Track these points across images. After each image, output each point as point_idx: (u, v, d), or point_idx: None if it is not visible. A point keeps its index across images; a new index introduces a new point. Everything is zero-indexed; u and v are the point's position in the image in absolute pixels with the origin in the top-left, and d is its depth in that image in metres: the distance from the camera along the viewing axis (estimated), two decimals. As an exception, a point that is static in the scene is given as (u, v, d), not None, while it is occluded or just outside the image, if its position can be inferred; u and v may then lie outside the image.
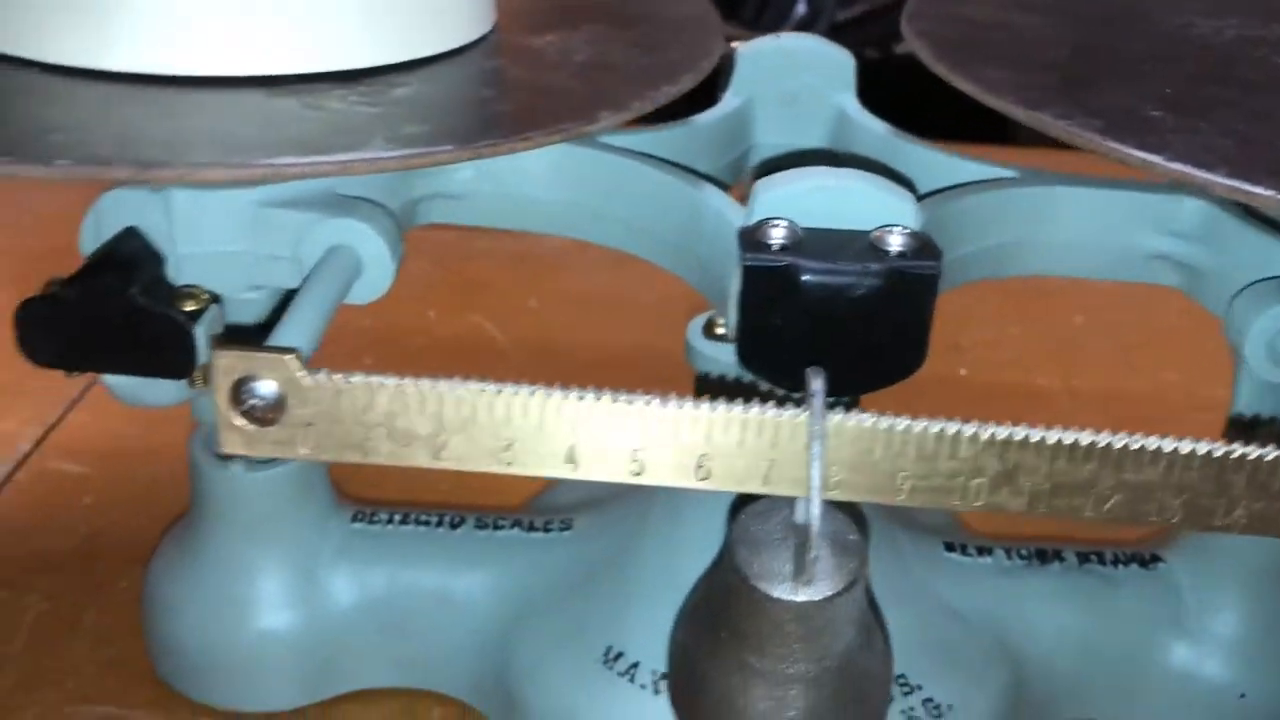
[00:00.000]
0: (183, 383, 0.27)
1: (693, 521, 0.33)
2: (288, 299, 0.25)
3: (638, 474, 0.23)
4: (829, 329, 0.24)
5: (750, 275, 0.24)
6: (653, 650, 0.32)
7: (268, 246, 0.27)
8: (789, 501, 0.24)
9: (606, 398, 0.22)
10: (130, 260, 0.25)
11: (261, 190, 0.27)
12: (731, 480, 0.23)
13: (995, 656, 0.34)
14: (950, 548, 0.37)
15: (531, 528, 0.37)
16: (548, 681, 0.33)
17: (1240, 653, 0.35)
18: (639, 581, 0.34)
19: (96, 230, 0.27)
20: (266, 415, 0.22)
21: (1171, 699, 0.35)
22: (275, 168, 0.20)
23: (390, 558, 0.36)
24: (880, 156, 0.34)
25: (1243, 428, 0.33)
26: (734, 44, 0.37)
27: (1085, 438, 0.22)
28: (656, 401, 0.22)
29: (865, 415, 0.22)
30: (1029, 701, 0.35)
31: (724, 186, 0.31)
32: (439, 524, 0.37)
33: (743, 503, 0.24)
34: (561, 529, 0.37)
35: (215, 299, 0.27)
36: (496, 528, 0.37)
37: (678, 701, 0.26)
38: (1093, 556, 0.37)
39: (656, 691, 0.32)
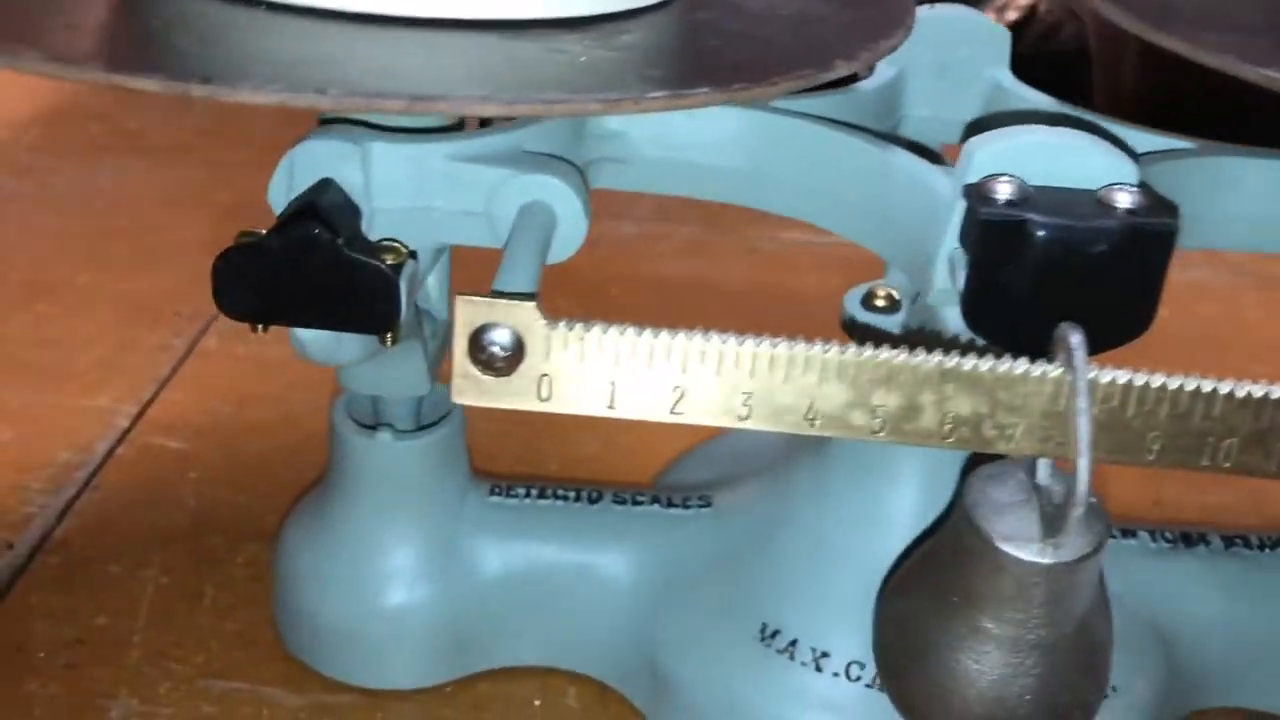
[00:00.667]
0: (369, 339, 0.27)
1: (840, 495, 0.32)
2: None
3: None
4: (1062, 286, 0.24)
5: (985, 230, 0.23)
6: (810, 626, 0.32)
7: (461, 202, 0.26)
8: (1021, 464, 0.23)
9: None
10: (330, 211, 0.25)
11: (453, 144, 0.26)
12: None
13: (1151, 640, 0.34)
14: (1096, 529, 0.36)
15: (670, 504, 0.36)
16: (702, 660, 0.32)
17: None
18: (790, 557, 0.33)
19: (289, 182, 0.26)
20: (500, 365, 0.22)
21: (1323, 686, 0.35)
22: (546, 103, 0.20)
23: (530, 532, 0.35)
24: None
25: None
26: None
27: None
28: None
29: (1118, 371, 0.22)
30: (1181, 689, 0.34)
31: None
32: (576, 499, 0.36)
33: (975, 463, 0.24)
34: (701, 505, 0.36)
35: (412, 254, 0.26)
36: (635, 503, 0.36)
37: (892, 675, 0.25)
38: (1238, 540, 0.36)
39: (818, 669, 0.31)
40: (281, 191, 0.26)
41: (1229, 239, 0.31)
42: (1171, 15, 0.28)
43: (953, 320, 0.28)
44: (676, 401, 0.22)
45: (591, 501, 0.36)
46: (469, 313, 0.21)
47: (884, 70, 0.35)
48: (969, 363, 0.22)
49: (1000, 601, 0.22)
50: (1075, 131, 0.25)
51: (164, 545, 0.39)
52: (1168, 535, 0.36)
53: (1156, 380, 0.22)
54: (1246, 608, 0.35)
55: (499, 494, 0.36)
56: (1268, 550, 0.36)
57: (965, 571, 0.23)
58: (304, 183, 0.26)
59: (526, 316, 0.21)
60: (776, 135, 0.30)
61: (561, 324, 0.22)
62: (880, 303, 0.33)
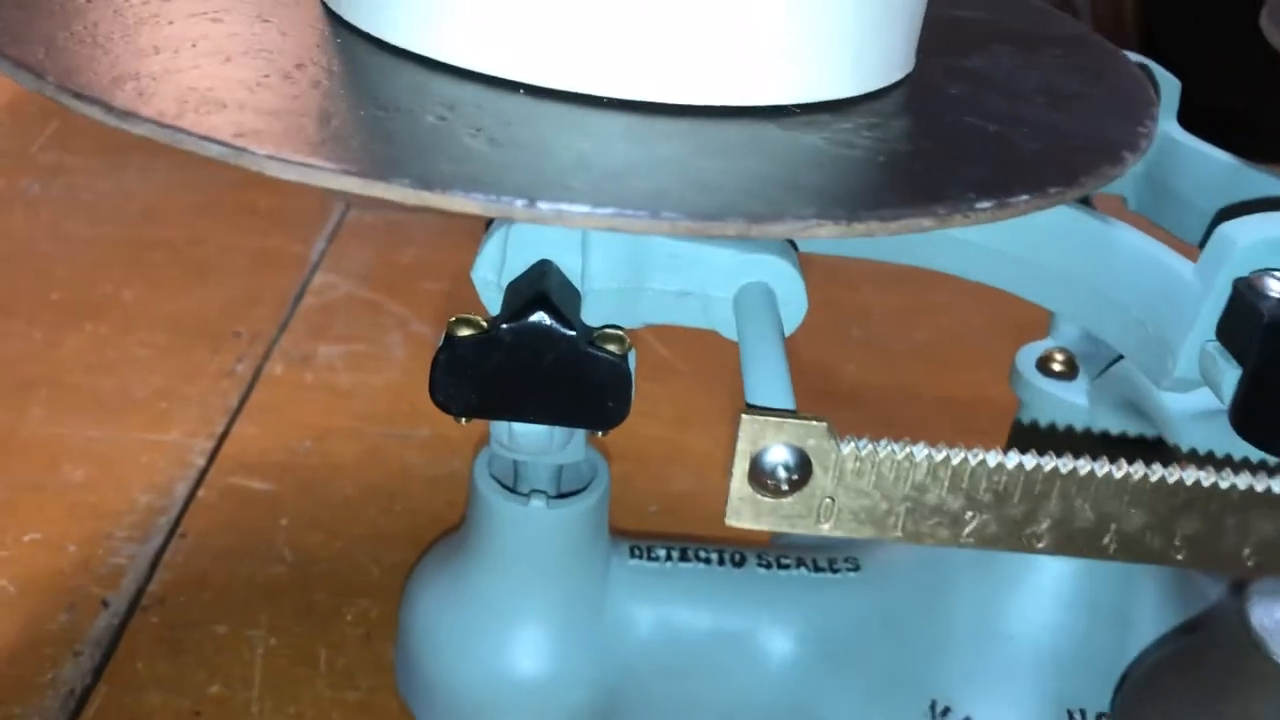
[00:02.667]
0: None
1: (1008, 559, 0.31)
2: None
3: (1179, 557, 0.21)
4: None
5: (1269, 333, 0.22)
6: (982, 704, 0.31)
7: (678, 283, 0.25)
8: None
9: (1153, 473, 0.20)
10: (560, 301, 0.23)
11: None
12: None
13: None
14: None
15: (817, 567, 0.35)
16: (872, 736, 0.31)
17: None
18: (955, 627, 0.32)
19: (501, 261, 0.24)
20: (784, 488, 0.20)
21: None
22: (882, 221, 0.18)
23: (678, 598, 0.33)
24: (1221, 188, 0.32)
25: None
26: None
27: None
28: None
29: None
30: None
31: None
32: (720, 561, 0.34)
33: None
34: (850, 569, 0.35)
35: (628, 341, 0.24)
36: (781, 566, 0.34)
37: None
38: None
39: (994, 749, 0.30)
40: (492, 270, 0.24)
41: None
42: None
43: (1171, 402, 0.27)
44: (965, 530, 0.21)
45: (736, 564, 0.34)
46: (753, 432, 0.20)
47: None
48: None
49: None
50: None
51: (268, 601, 0.37)
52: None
53: None
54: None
55: (639, 556, 0.34)
56: None
57: (1248, 698, 0.22)
58: (519, 263, 0.24)
59: (816, 437, 0.20)
60: (1058, 227, 0.28)
61: (852, 444, 0.20)
62: (1058, 367, 0.31)
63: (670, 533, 0.39)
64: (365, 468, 0.44)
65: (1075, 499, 0.20)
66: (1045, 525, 0.21)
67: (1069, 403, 0.31)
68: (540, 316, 0.22)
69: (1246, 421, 0.23)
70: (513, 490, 0.32)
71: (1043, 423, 0.32)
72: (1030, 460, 0.20)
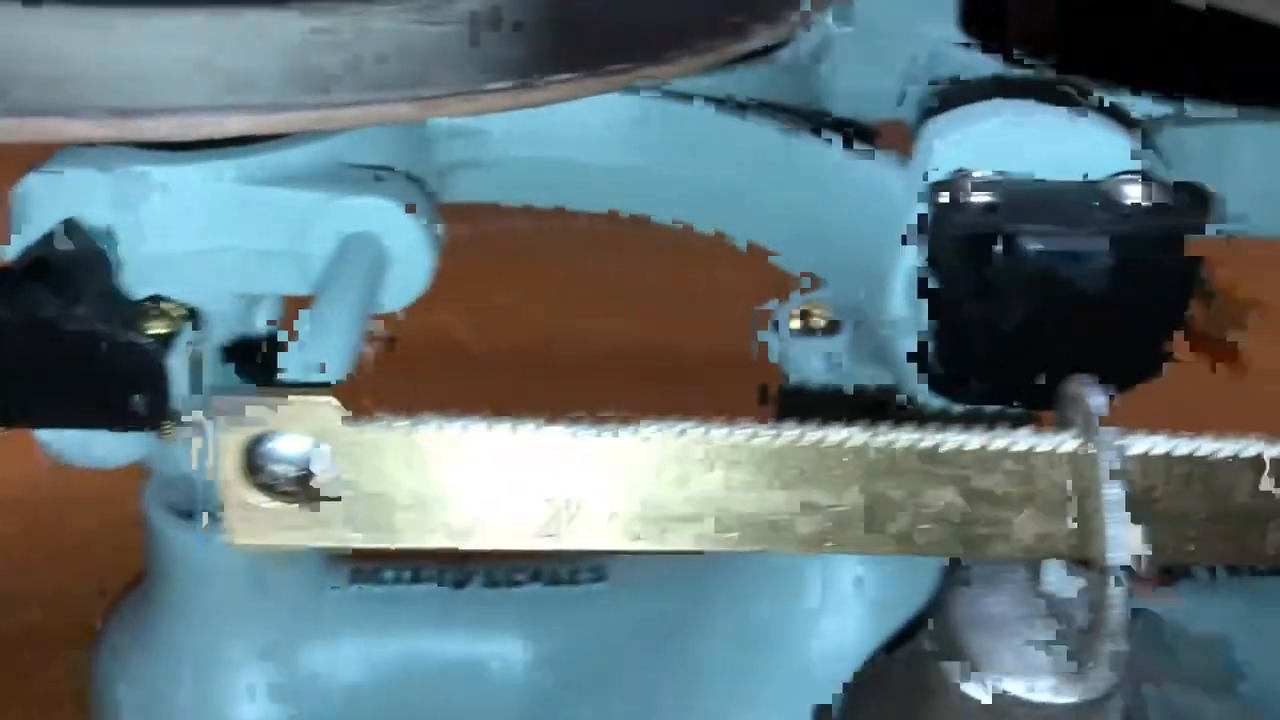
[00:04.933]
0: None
1: (772, 565, 0.26)
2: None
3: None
4: (1057, 317, 0.18)
5: (956, 246, 0.17)
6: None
7: (259, 239, 0.20)
8: (1021, 566, 0.18)
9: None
10: (71, 266, 0.18)
11: (245, 161, 0.20)
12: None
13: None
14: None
15: (556, 580, 0.30)
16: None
17: None
18: (711, 643, 0.27)
19: (22, 224, 0.19)
20: (289, 488, 0.15)
21: None
22: (325, 108, 0.13)
23: (401, 625, 0.29)
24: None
25: None
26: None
27: None
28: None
29: (1154, 439, 0.16)
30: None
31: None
32: (451, 582, 0.30)
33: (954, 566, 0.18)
34: (593, 579, 0.30)
35: (191, 315, 0.19)
36: (512, 584, 0.30)
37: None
38: None
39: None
40: (17, 242, 0.19)
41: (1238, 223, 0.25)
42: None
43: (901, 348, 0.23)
44: (551, 518, 0.16)
45: (458, 585, 0.30)
46: (234, 419, 0.15)
47: (804, 36, 0.29)
48: (950, 439, 0.16)
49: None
50: (1059, 108, 0.19)
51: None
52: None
53: (1204, 447, 0.16)
54: None
55: (363, 580, 0.29)
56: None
57: (936, 708, 0.17)
58: (42, 225, 0.19)
59: (323, 417, 0.15)
60: (675, 125, 0.24)
61: (373, 424, 0.15)
62: (818, 322, 0.27)
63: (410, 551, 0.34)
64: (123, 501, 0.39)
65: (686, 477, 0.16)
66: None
67: (825, 360, 0.27)
68: (23, 292, 0.17)
69: (941, 362, 0.18)
70: (191, 516, 0.27)
71: (808, 383, 0.28)
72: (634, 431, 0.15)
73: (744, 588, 0.27)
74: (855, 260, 0.22)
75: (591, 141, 0.24)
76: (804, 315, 0.27)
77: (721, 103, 0.23)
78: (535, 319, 0.53)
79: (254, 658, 0.27)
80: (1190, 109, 0.25)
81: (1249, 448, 0.16)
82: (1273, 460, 0.16)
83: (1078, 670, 0.16)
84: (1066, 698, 0.16)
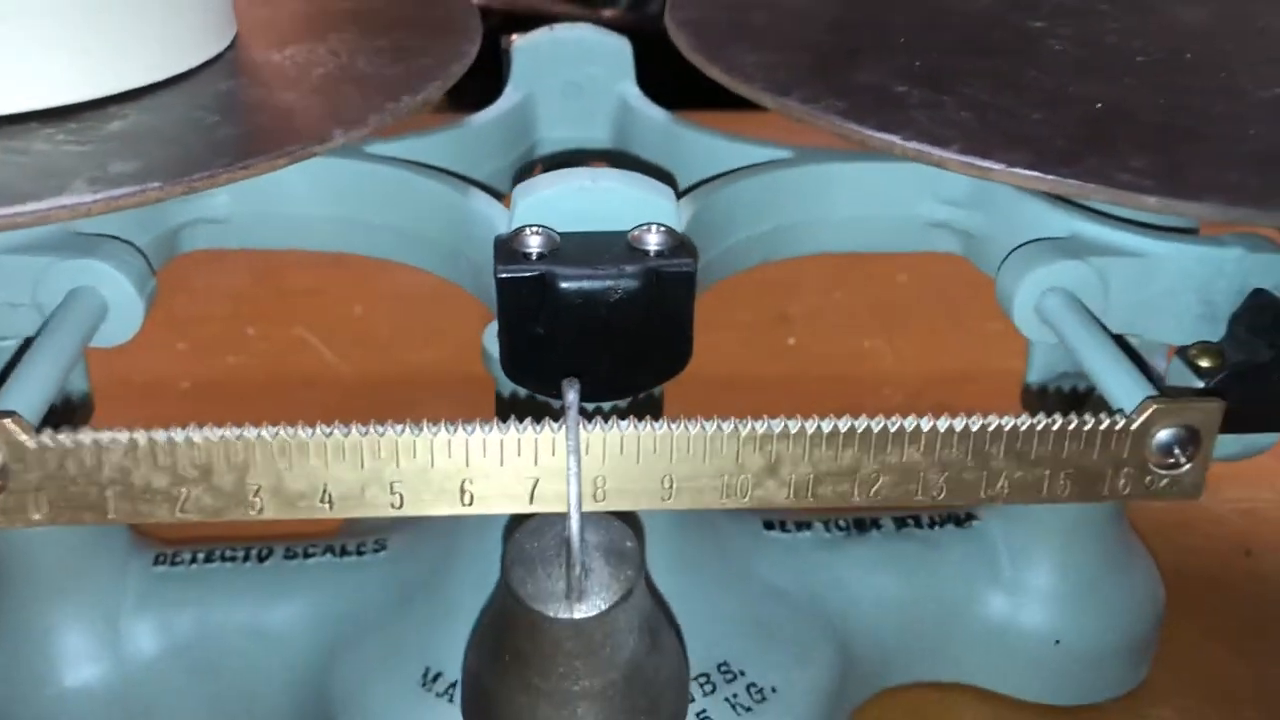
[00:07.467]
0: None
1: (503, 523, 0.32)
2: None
3: (398, 507, 0.22)
4: (591, 334, 0.24)
5: (505, 286, 0.23)
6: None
7: (4, 294, 0.26)
8: (562, 516, 0.23)
9: (347, 432, 0.21)
10: None
11: (-10, 236, 0.25)
12: (499, 502, 0.22)
13: (819, 633, 0.34)
14: (769, 525, 0.37)
15: (344, 552, 0.36)
16: (367, 708, 0.32)
17: (1055, 602, 0.35)
18: (453, 600, 0.33)
19: None
20: (-13, 483, 0.21)
21: (991, 651, 0.36)
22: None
23: (197, 599, 0.34)
24: (661, 144, 0.33)
25: (1035, 395, 0.33)
26: (512, 38, 0.36)
27: (843, 424, 0.22)
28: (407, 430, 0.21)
29: (624, 422, 0.22)
30: (856, 675, 0.35)
31: (496, 195, 0.30)
32: (246, 558, 0.35)
33: (517, 521, 0.24)
34: (376, 550, 0.36)
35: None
36: (307, 556, 0.35)
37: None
38: (910, 520, 0.37)
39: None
40: None
41: (832, 243, 0.31)
42: (730, 37, 0.28)
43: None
44: (181, 503, 0.22)
45: (261, 559, 0.35)
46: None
47: (509, 96, 0.34)
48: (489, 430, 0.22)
49: (542, 658, 0.23)
50: (613, 172, 0.25)
51: None
52: (841, 523, 0.37)
53: (659, 427, 0.22)
54: (914, 584, 0.36)
55: (164, 563, 0.35)
56: (937, 527, 0.37)
57: (510, 630, 0.23)
58: None
59: (7, 433, 0.21)
60: (360, 182, 0.29)
61: (46, 434, 0.21)
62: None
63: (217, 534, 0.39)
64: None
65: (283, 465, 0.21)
66: (257, 490, 0.22)
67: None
68: None
69: (510, 369, 0.24)
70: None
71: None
72: (226, 433, 0.21)
73: (486, 544, 0.32)
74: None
75: (299, 196, 0.30)
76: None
77: (397, 162, 0.29)
78: (385, 328, 0.58)
79: (64, 627, 0.33)
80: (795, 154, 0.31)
81: (700, 425, 0.22)
82: (727, 434, 0.22)
83: (575, 595, 0.22)
84: (572, 615, 0.22)
